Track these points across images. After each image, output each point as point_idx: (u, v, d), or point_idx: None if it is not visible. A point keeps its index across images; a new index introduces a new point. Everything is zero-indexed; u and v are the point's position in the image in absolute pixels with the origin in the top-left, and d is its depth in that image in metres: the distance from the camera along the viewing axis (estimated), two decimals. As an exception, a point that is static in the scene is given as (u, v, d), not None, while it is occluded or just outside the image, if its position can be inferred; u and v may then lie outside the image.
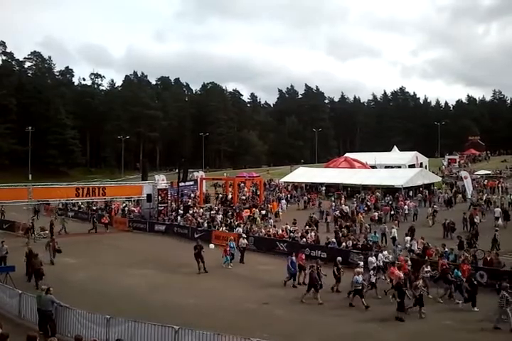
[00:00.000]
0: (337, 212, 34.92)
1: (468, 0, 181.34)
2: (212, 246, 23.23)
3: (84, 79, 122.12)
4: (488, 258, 19.79)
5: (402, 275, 17.03)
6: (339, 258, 19.32)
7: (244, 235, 26.00)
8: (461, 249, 22.07)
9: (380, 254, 20.53)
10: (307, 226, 29.81)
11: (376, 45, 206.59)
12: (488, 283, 17.77)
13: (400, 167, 55.20)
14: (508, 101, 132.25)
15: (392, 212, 35.00)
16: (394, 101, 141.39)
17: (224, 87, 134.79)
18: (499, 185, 45.08)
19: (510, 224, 29.90)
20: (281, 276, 21.40)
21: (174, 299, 17.67)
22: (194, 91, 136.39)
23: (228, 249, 23.48)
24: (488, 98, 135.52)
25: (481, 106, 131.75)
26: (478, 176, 53.77)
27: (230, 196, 44.47)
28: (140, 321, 12.00)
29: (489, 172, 58.18)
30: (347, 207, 36.36)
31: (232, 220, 33.35)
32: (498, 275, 17.54)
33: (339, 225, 30.47)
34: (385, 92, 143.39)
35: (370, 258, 19.84)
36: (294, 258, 19.79)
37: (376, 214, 34.03)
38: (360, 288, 16.80)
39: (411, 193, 42.13)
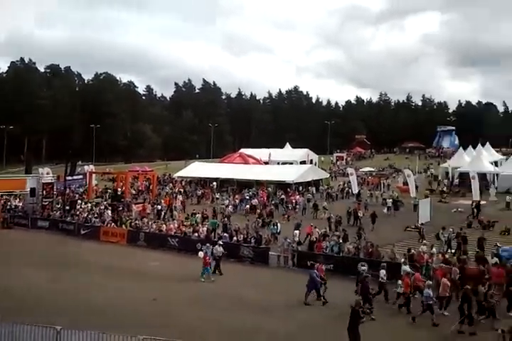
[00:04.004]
0: (247, 206, 36.23)
1: (357, 5, 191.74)
2: (201, 254, 21.22)
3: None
4: (370, 250, 21.22)
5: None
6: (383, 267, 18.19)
7: (220, 242, 22.90)
8: (345, 242, 23.33)
9: None
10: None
11: (271, 43, 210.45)
12: (369, 272, 18.70)
13: (292, 163, 57.01)
14: (393, 104, 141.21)
15: (273, 201, 37.65)
16: (288, 100, 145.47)
17: (118, 78, 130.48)
18: (382, 182, 48.28)
19: (398, 213, 34.48)
20: (172, 271, 21.18)
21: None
22: (86, 81, 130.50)
23: (208, 258, 20.73)
24: (374, 99, 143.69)
25: (368, 107, 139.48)
26: (363, 173, 57.18)
27: (120, 190, 42.98)
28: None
29: (373, 169, 62.19)
30: (256, 200, 37.71)
31: (123, 215, 32.41)
32: (377, 266, 18.70)
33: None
34: (280, 90, 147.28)
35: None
36: (316, 271, 17.88)
37: (269, 208, 35.04)
38: (431, 302, 15.24)
39: (301, 188, 43.75)
